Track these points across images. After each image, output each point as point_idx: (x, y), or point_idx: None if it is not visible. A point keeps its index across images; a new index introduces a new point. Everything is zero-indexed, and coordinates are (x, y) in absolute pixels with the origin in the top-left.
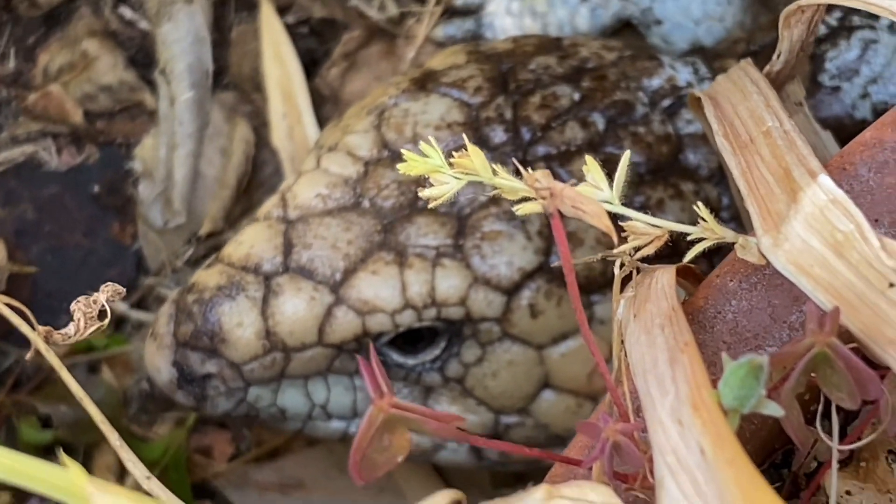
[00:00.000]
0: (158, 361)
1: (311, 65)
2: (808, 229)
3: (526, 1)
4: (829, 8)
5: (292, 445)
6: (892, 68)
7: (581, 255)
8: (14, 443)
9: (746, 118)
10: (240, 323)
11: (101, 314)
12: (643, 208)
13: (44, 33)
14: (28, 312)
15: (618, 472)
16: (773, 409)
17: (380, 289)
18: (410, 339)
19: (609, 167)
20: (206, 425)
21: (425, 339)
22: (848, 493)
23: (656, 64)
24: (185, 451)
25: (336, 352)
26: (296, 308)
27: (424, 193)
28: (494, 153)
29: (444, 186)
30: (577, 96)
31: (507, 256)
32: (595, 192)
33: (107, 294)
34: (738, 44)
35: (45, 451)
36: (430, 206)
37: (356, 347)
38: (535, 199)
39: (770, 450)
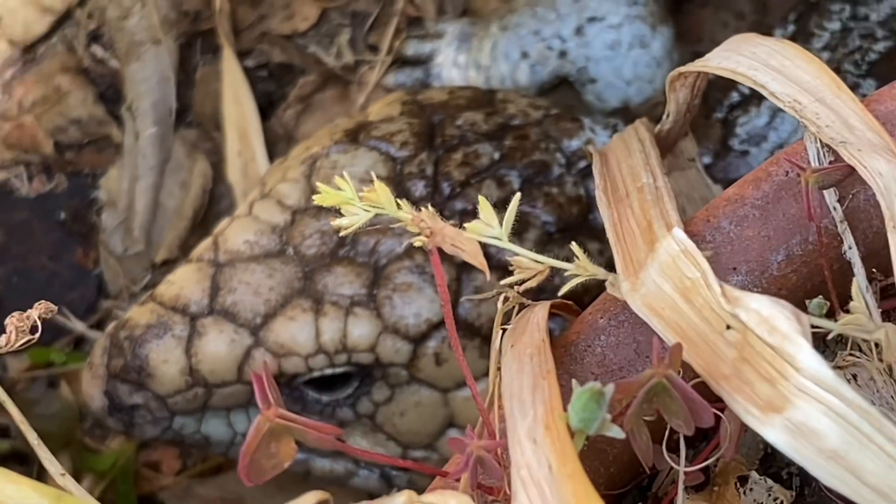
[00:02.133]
0: (92, 390)
1: (268, 106)
2: (662, 276)
3: (472, 54)
4: None
5: (235, 464)
6: (798, 135)
7: (488, 305)
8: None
9: (626, 174)
10: (165, 360)
11: (34, 329)
12: None
13: (21, 67)
14: None
15: (484, 485)
16: (616, 432)
17: (296, 333)
18: (327, 380)
19: (521, 225)
20: (157, 441)
21: (339, 379)
22: None
23: (577, 126)
24: (134, 464)
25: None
26: (217, 348)
27: (335, 223)
28: (415, 206)
29: (353, 217)
30: (497, 155)
31: (415, 308)
32: (486, 229)
33: (39, 311)
34: (658, 106)
35: (3, 460)
36: (342, 233)
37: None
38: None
39: (635, 473)
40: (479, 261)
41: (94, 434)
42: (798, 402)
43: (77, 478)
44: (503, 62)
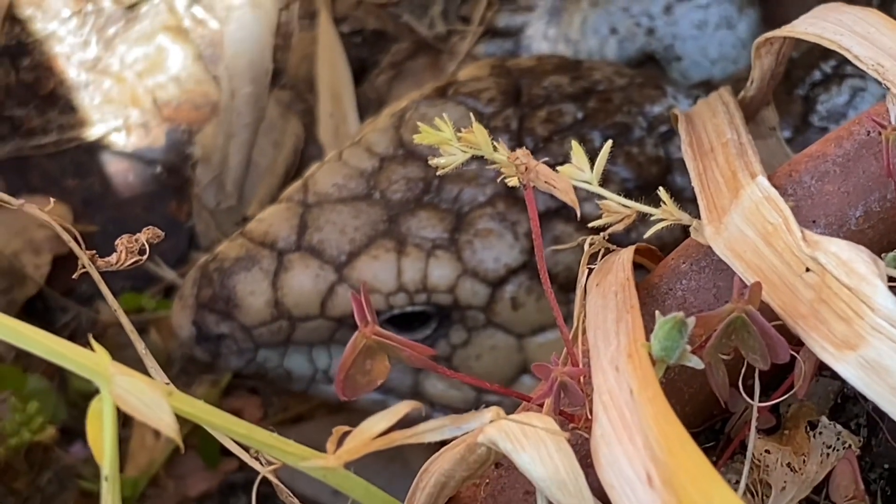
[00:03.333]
0: (181, 319)
1: (361, 71)
2: (745, 221)
3: (561, 28)
4: (825, 56)
5: (315, 413)
6: None
7: (565, 255)
8: (65, 390)
9: (711, 131)
10: (252, 292)
11: (142, 250)
12: None
13: (123, 25)
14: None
15: (566, 412)
16: (695, 362)
17: (378, 272)
18: (406, 319)
19: (601, 180)
20: (240, 390)
21: (418, 319)
22: (767, 451)
23: (660, 93)
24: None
25: (337, 324)
26: (302, 283)
27: (434, 161)
28: None
29: (451, 157)
30: (580, 115)
31: (495, 253)
32: (577, 173)
33: (147, 235)
34: (740, 82)
35: (90, 398)
36: (440, 172)
37: (355, 323)
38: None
39: (708, 414)
40: (570, 198)
41: (180, 381)
42: (872, 340)
43: None
44: (592, 37)
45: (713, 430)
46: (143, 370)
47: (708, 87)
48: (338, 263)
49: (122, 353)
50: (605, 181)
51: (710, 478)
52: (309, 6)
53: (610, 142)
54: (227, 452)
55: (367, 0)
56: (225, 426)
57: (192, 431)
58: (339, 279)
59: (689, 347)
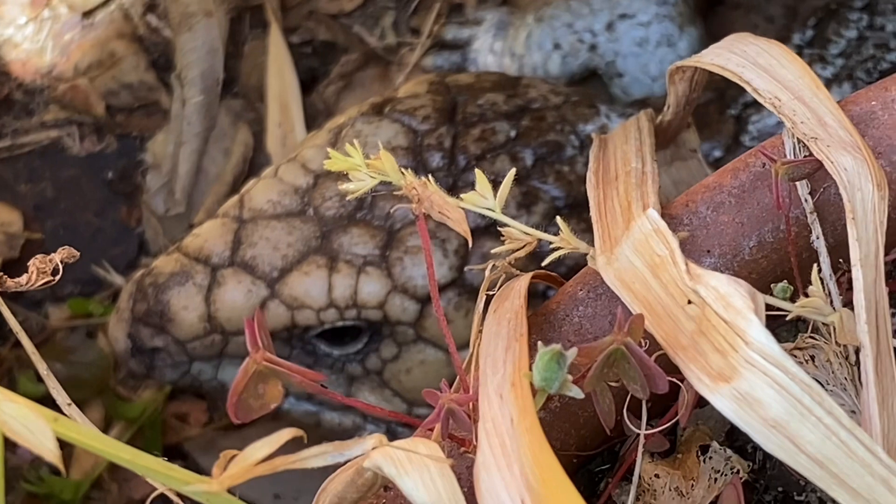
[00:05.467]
0: (116, 332)
1: (311, 81)
2: (635, 252)
3: (507, 42)
4: None
5: (258, 419)
6: None
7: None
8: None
9: (619, 158)
10: (186, 306)
11: (55, 271)
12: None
13: (79, 32)
14: None
15: (457, 437)
16: (575, 392)
17: (309, 288)
18: (337, 334)
19: (530, 198)
20: (186, 394)
21: (349, 334)
22: (657, 475)
23: (594, 112)
24: (163, 414)
25: None
26: (234, 298)
27: (342, 187)
28: (431, 176)
29: (360, 182)
30: (513, 133)
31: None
32: (480, 200)
33: (61, 255)
34: None
35: (40, 402)
36: (349, 198)
37: (287, 337)
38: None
39: (605, 437)
40: (462, 228)
41: (126, 384)
42: (745, 373)
43: (108, 424)
44: (536, 52)
45: (613, 451)
46: (86, 375)
47: (644, 104)
48: (270, 279)
49: (71, 357)
50: (535, 199)
51: None
52: (261, 16)
53: (512, 171)
54: (169, 455)
55: (319, 10)
56: (110, 452)
57: (136, 434)
58: (271, 295)
59: (569, 377)
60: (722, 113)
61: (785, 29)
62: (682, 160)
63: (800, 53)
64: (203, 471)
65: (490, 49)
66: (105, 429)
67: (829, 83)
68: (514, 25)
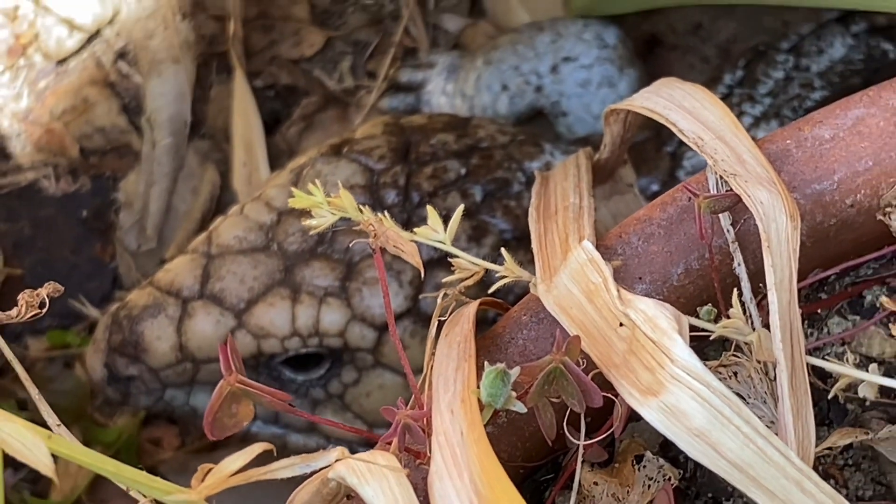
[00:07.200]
0: (94, 362)
1: (274, 123)
2: (572, 280)
3: (458, 84)
4: None
5: (228, 441)
6: None
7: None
8: None
9: (559, 194)
10: (158, 337)
11: (41, 304)
12: None
13: (53, 79)
14: None
15: (412, 449)
16: (519, 407)
17: (274, 318)
18: (301, 360)
19: (480, 231)
20: (159, 419)
21: (312, 360)
22: (595, 483)
23: (538, 150)
24: (138, 438)
25: None
26: (204, 328)
27: (305, 223)
28: (387, 212)
29: (322, 219)
30: (463, 171)
31: (381, 299)
32: (432, 234)
33: (47, 290)
34: None
35: None
36: (311, 233)
37: (254, 364)
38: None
39: (550, 449)
40: (416, 260)
41: (103, 411)
42: (671, 387)
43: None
44: (485, 93)
45: (556, 462)
46: (65, 403)
47: (587, 142)
48: (237, 310)
49: (49, 386)
50: (485, 232)
51: None
52: (226, 62)
53: (462, 207)
54: None
55: (281, 56)
56: (97, 465)
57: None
58: (239, 325)
59: (514, 394)
60: (659, 150)
61: (718, 69)
62: (619, 194)
63: (731, 93)
64: None
65: (442, 91)
66: None
67: (757, 121)
68: (464, 68)
